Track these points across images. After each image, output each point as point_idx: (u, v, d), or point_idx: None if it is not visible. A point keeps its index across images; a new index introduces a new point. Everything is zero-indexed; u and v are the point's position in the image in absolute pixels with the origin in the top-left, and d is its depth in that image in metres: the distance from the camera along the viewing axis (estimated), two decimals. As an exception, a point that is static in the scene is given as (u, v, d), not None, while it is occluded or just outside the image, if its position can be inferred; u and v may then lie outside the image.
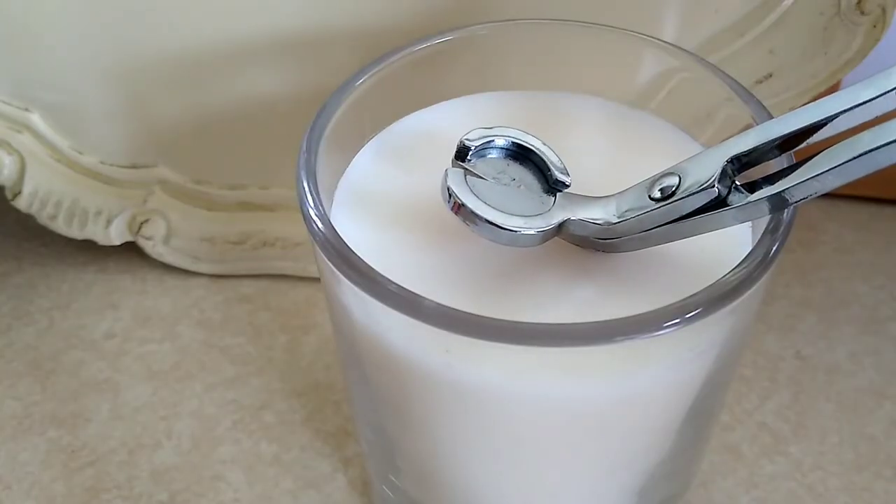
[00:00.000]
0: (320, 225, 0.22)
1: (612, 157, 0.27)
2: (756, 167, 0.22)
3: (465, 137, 0.23)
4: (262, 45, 0.34)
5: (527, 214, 0.22)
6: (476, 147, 0.23)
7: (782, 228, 0.22)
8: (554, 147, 0.24)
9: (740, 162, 0.21)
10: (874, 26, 0.31)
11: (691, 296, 0.20)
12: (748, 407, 0.34)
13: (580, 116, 0.28)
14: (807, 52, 0.32)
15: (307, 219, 0.22)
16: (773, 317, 0.37)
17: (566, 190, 0.23)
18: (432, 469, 0.26)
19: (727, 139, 0.22)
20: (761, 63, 0.33)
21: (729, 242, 0.24)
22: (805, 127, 0.21)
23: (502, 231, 0.22)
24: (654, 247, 0.23)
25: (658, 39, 0.28)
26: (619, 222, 0.22)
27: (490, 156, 0.24)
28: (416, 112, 0.28)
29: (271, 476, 0.33)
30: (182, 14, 0.33)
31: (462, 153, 0.23)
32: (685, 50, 0.27)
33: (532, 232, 0.22)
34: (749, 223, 0.24)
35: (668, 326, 0.20)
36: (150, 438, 0.34)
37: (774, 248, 0.22)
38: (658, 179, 0.22)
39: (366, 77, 0.26)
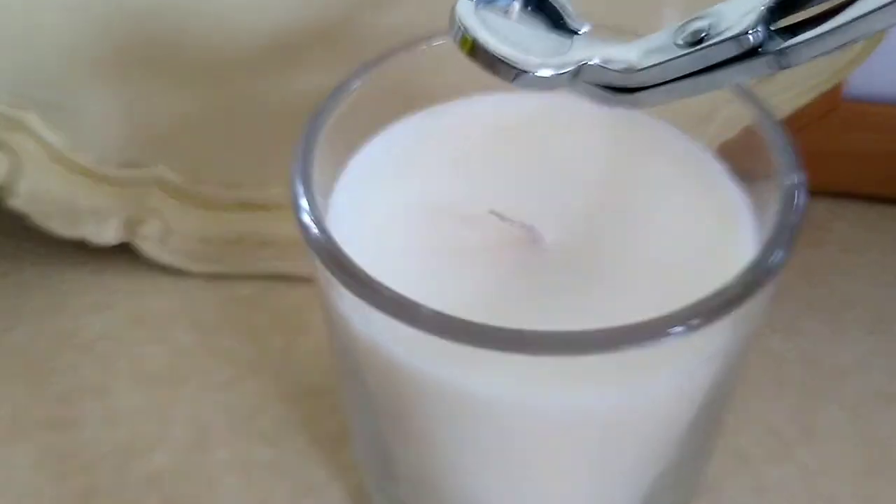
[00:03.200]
0: (316, 231, 0.22)
1: (612, 157, 0.27)
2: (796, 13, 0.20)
3: None
4: (261, 45, 0.34)
5: (544, 55, 0.21)
6: None
7: (791, 231, 0.22)
8: (553, 148, 0.23)
9: (779, 5, 0.19)
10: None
11: (698, 301, 0.20)
12: (755, 411, 0.34)
13: (579, 117, 0.28)
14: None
15: (302, 225, 0.22)
16: (779, 318, 0.37)
17: (583, 31, 0.22)
18: (430, 478, 0.26)
19: None
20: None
21: (736, 245, 0.24)
22: None
23: (516, 71, 0.21)
24: (658, 243, 0.23)
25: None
26: (641, 69, 0.21)
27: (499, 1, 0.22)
28: (413, 114, 0.28)
29: (267, 481, 0.32)
30: (180, 14, 0.33)
31: None
32: None
33: (549, 73, 0.21)
34: (756, 226, 0.24)
35: (674, 333, 0.20)
36: (144, 442, 0.34)
37: (783, 252, 0.21)
38: (687, 23, 0.20)
39: (361, 80, 0.26)
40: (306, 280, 0.38)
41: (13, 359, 0.36)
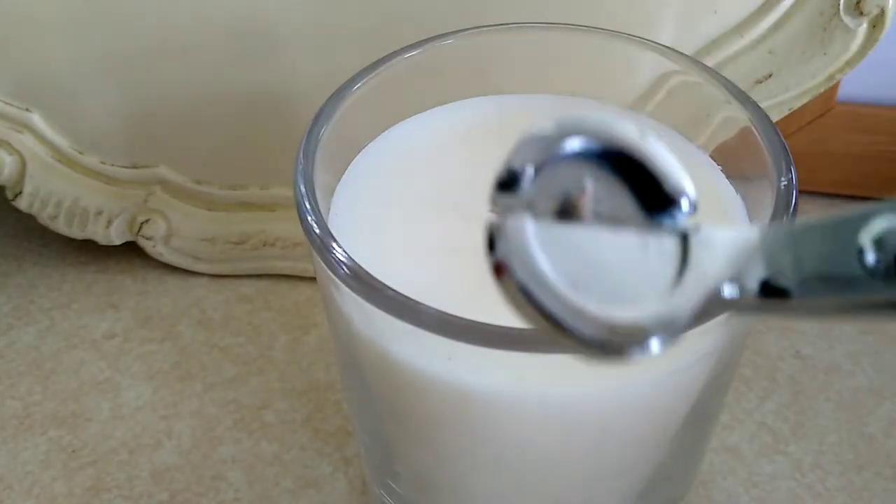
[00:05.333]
0: (318, 231, 0.22)
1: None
2: None
3: (517, 153, 0.15)
4: (263, 45, 0.34)
5: (643, 294, 0.14)
6: (537, 168, 0.15)
7: None
8: None
9: None
10: (873, 27, 0.31)
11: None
12: (748, 407, 0.34)
13: None
14: (806, 53, 0.32)
15: (305, 225, 0.22)
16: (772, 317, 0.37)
17: (687, 216, 0.15)
18: (431, 475, 0.26)
19: None
20: (761, 64, 0.33)
21: None
22: None
23: (610, 356, 0.14)
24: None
25: (655, 42, 0.27)
26: (803, 301, 0.14)
27: (552, 171, 0.15)
28: (414, 116, 0.28)
29: (271, 476, 0.33)
30: (183, 14, 0.33)
31: (508, 182, 0.15)
32: (682, 53, 0.27)
33: (657, 349, 0.14)
34: (748, 225, 0.24)
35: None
36: (151, 438, 0.34)
37: None
38: (869, 221, 0.13)
39: (362, 81, 0.26)
40: (308, 279, 0.39)
41: (21, 357, 0.37)
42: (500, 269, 0.14)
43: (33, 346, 0.37)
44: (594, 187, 0.15)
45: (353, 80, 0.26)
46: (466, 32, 0.27)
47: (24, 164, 0.36)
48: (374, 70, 0.26)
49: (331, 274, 0.21)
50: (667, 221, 0.15)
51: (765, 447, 0.33)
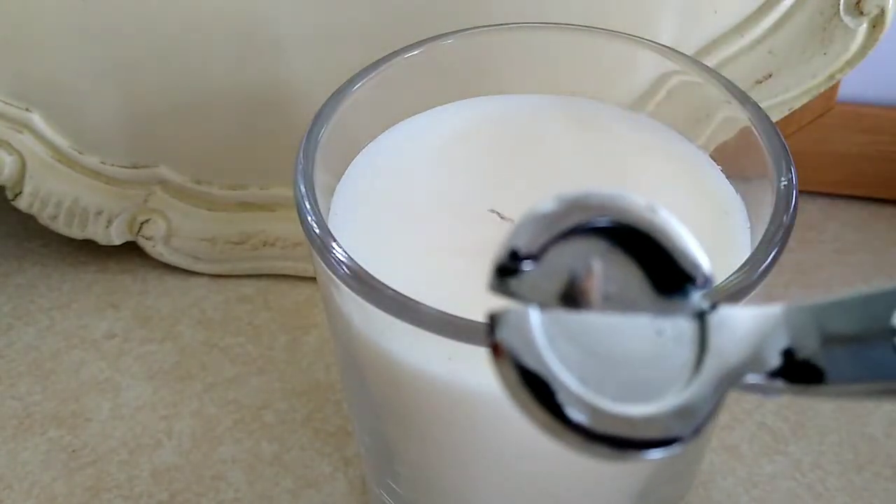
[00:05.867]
0: (318, 231, 0.22)
1: (610, 157, 0.27)
2: None
3: (517, 232, 0.14)
4: (264, 45, 0.34)
5: (660, 384, 0.13)
6: (539, 249, 0.14)
7: (782, 232, 0.22)
8: (552, 148, 0.23)
9: None
10: (873, 27, 0.31)
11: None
12: (747, 406, 0.34)
13: (577, 120, 0.28)
14: (806, 53, 0.32)
15: (305, 225, 0.22)
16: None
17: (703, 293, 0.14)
18: (432, 476, 0.26)
19: None
20: (761, 63, 0.33)
21: (730, 246, 0.24)
22: None
23: (619, 453, 0.13)
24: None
25: (655, 42, 0.27)
26: (836, 383, 0.13)
27: (556, 251, 0.14)
28: (414, 116, 0.28)
29: (272, 476, 0.33)
30: (183, 14, 0.33)
31: (510, 266, 0.14)
32: (682, 53, 0.27)
33: (676, 445, 0.13)
34: (748, 225, 0.24)
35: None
36: (151, 438, 0.34)
37: (774, 253, 0.21)
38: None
39: (362, 81, 0.26)
40: (308, 279, 0.39)
41: (21, 357, 0.37)
42: (499, 358, 0.13)
43: (33, 346, 0.37)
44: (602, 266, 0.14)
45: (353, 80, 0.26)
46: (466, 32, 0.27)
47: (24, 164, 0.36)
48: (374, 70, 0.26)
49: (331, 274, 0.21)
50: (680, 300, 0.14)
51: (765, 447, 0.33)
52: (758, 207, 0.24)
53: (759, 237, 0.22)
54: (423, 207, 0.25)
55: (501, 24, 0.28)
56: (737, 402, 0.34)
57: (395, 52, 0.27)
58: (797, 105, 0.33)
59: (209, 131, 0.36)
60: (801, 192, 0.23)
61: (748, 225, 0.24)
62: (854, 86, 0.38)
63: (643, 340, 0.14)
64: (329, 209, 0.25)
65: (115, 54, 0.34)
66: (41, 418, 0.35)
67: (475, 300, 0.22)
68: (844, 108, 0.38)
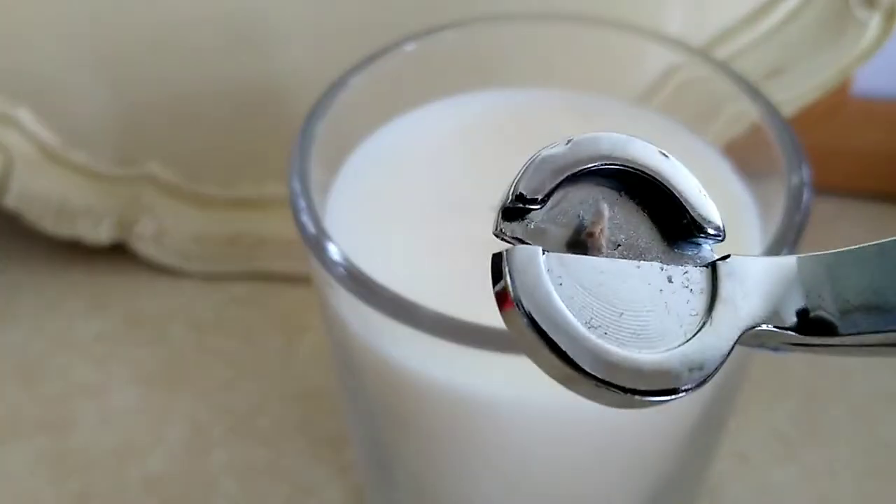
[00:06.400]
0: (313, 230, 0.22)
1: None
2: None
3: (525, 175, 0.14)
4: (256, 41, 0.33)
5: (668, 332, 0.13)
6: (546, 193, 0.13)
7: (794, 231, 0.22)
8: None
9: None
10: (886, 20, 0.31)
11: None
12: (758, 412, 0.34)
13: (582, 114, 0.28)
14: (818, 46, 0.32)
15: (300, 224, 0.22)
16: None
17: (714, 245, 0.14)
18: (431, 482, 0.26)
19: None
20: (771, 57, 0.32)
21: (741, 244, 0.24)
22: None
23: (621, 397, 0.13)
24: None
25: (663, 35, 0.27)
26: (849, 334, 0.13)
27: (564, 196, 0.14)
28: (412, 110, 0.27)
29: (266, 483, 0.32)
30: (173, 9, 0.33)
31: (516, 209, 0.13)
32: (690, 46, 0.27)
33: (684, 392, 0.13)
34: (761, 224, 0.24)
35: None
36: (141, 444, 0.33)
37: (788, 251, 0.21)
38: None
39: (358, 75, 0.26)
40: (304, 280, 0.38)
41: (7, 360, 0.36)
42: (506, 302, 0.13)
43: (19, 349, 0.36)
44: (610, 213, 0.14)
45: (349, 74, 0.26)
46: (467, 24, 0.27)
47: (10, 162, 0.36)
48: (370, 63, 0.26)
49: (326, 274, 0.21)
50: (691, 250, 0.14)
51: (776, 454, 0.33)
52: (769, 205, 0.24)
53: (771, 236, 0.22)
54: (421, 205, 0.25)
55: (503, 16, 0.28)
56: (747, 407, 0.33)
57: (392, 44, 0.26)
58: (809, 100, 0.32)
59: (200, 127, 0.36)
60: (813, 189, 0.22)
61: (760, 222, 0.24)
62: (868, 80, 0.37)
63: (652, 287, 0.13)
64: (324, 207, 0.25)
65: (104, 49, 0.34)
66: (28, 423, 0.34)
67: (475, 301, 0.22)
68: (857, 104, 0.38)
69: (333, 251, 0.21)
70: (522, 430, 0.23)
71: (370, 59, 0.26)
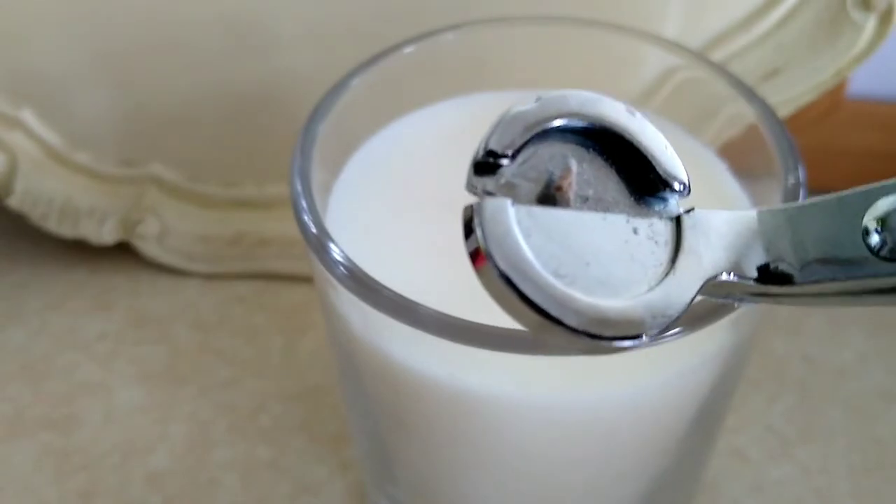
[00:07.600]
0: (315, 230, 0.21)
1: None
2: None
3: (495, 132, 0.14)
4: (258, 43, 0.33)
5: (633, 281, 0.13)
6: (517, 149, 0.14)
7: None
8: None
9: None
10: (881, 22, 0.31)
11: (699, 301, 0.20)
12: (754, 410, 0.34)
13: None
14: (814, 48, 0.32)
15: (301, 224, 0.22)
16: (780, 318, 0.36)
17: (679, 199, 0.14)
18: (432, 480, 0.26)
19: None
20: (768, 59, 0.32)
21: None
22: None
23: (588, 343, 0.13)
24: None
25: (660, 37, 0.27)
26: (807, 283, 0.14)
27: (534, 152, 0.14)
28: (413, 112, 0.27)
29: (267, 480, 0.32)
30: (176, 9, 0.33)
31: (487, 164, 0.14)
32: (687, 48, 0.27)
33: (647, 338, 0.13)
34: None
35: (673, 333, 0.19)
36: (144, 442, 0.33)
37: None
38: (873, 201, 0.14)
39: (360, 77, 0.26)
40: (306, 279, 0.38)
41: (12, 358, 0.36)
42: (478, 258, 0.13)
43: (24, 348, 0.36)
44: (579, 169, 0.14)
45: (351, 76, 0.26)
46: (466, 27, 0.27)
47: (15, 163, 0.36)
48: (372, 65, 0.26)
49: (328, 274, 0.21)
50: (657, 205, 0.15)
51: (772, 451, 0.33)
52: (765, 205, 0.24)
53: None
54: (423, 206, 0.25)
55: (501, 19, 0.28)
56: (744, 405, 0.34)
57: (393, 46, 0.26)
58: (805, 101, 0.32)
59: (203, 128, 0.36)
60: (808, 190, 0.23)
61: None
62: (864, 82, 0.37)
63: (618, 238, 0.14)
64: (326, 207, 0.25)
65: (108, 51, 0.34)
66: (32, 421, 0.34)
67: (476, 301, 0.22)
68: (853, 105, 0.38)
69: (335, 251, 0.21)
70: (522, 429, 0.23)
71: (371, 61, 0.26)
